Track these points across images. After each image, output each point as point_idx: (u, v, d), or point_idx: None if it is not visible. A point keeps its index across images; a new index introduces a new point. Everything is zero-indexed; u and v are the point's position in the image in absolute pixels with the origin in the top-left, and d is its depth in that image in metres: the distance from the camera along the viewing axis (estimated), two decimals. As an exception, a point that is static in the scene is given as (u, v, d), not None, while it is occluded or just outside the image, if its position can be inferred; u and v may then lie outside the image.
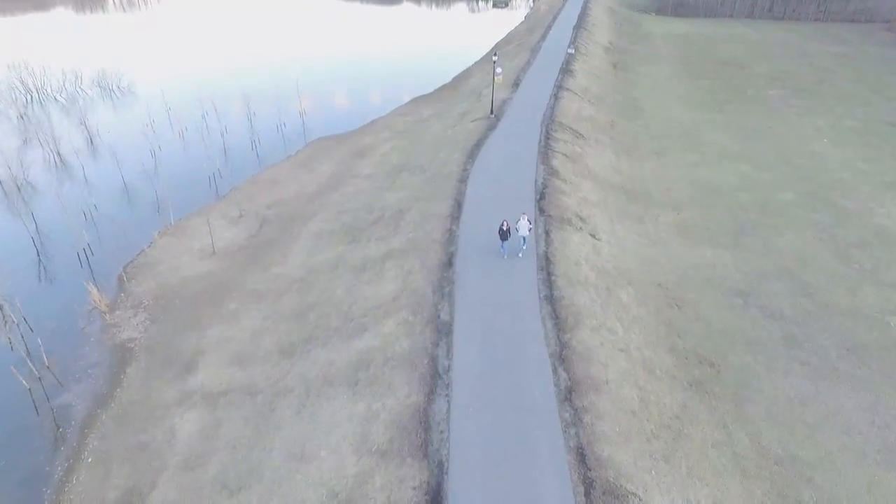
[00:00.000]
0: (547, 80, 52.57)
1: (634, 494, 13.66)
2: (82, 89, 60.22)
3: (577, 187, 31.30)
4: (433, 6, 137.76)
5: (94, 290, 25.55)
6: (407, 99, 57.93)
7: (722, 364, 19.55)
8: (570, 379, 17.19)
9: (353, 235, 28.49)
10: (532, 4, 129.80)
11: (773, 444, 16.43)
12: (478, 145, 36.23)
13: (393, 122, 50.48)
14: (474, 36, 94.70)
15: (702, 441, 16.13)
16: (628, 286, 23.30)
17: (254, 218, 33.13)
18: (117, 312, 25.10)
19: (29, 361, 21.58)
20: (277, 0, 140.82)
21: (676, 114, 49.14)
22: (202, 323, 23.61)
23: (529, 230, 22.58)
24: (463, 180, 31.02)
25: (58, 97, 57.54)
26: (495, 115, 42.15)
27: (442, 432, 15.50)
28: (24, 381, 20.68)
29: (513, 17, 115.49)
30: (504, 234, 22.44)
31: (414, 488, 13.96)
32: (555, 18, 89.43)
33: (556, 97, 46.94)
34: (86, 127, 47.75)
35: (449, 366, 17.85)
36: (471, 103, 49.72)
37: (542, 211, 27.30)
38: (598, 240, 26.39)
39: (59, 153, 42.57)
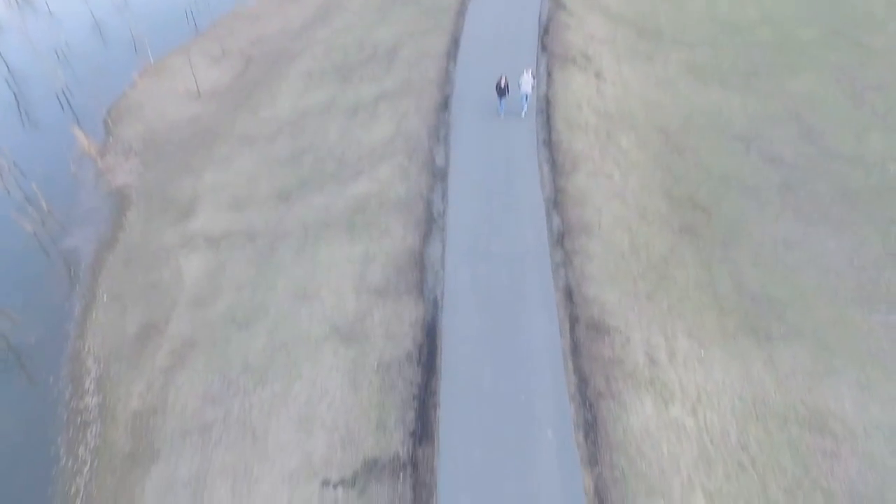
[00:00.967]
0: None
1: (616, 328, 14.68)
2: None
3: (584, 21, 28.91)
4: None
5: (81, 135, 24.91)
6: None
7: (715, 209, 19.75)
8: (563, 223, 17.49)
9: (344, 75, 26.98)
10: None
11: (752, 284, 17.24)
12: (478, -28, 32.66)
13: (384, -57, 44.93)
14: None
15: (685, 282, 16.91)
16: (629, 131, 22.66)
17: (238, 56, 31.12)
18: (108, 158, 24.73)
19: (28, 206, 21.75)
20: None
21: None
22: (195, 168, 23.38)
23: (533, 87, 20.56)
24: (461, 13, 28.55)
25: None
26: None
27: (437, 273, 16.17)
28: (27, 226, 21.05)
29: None
30: (502, 91, 20.27)
31: (410, 323, 14.95)
32: None
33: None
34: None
35: (444, 210, 18.05)
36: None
37: (544, 48, 25.53)
38: (603, 81, 25.07)
39: (16, -19, 38.55)
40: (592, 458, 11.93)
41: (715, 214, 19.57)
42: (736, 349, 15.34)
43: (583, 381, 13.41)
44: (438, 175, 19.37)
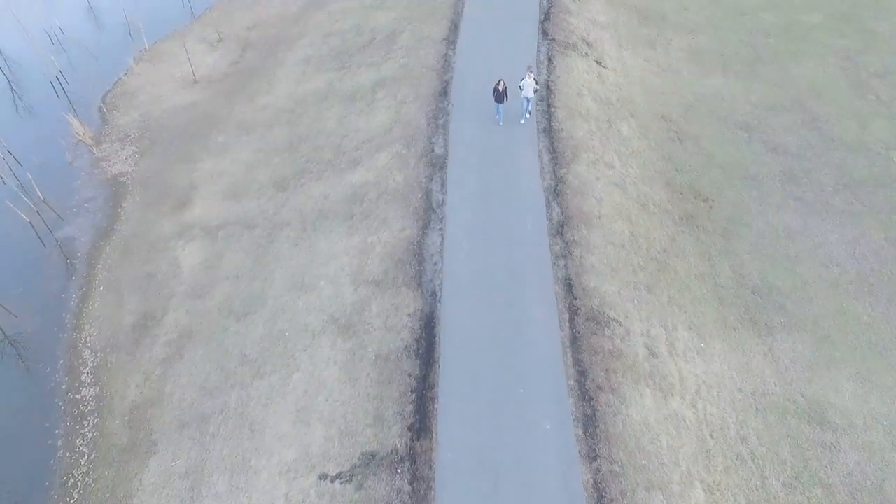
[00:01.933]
0: None
1: (616, 321, 14.58)
2: None
3: (586, 6, 28.45)
4: None
5: (76, 122, 24.60)
6: None
7: (716, 199, 19.56)
8: (562, 213, 17.31)
9: (342, 61, 26.59)
10: None
11: (753, 275, 17.12)
12: (478, -45, 32.06)
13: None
14: None
15: (686, 273, 16.79)
16: (631, 118, 22.38)
17: (235, 42, 30.65)
18: (104, 146, 24.45)
19: (23, 195, 21.54)
20: None
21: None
22: (192, 156, 23.12)
23: (535, 91, 18.85)
24: (461, -3, 28.06)
25: None
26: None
27: (435, 264, 16.03)
28: (23, 215, 20.85)
29: None
30: (500, 96, 18.60)
31: (409, 315, 14.84)
32: None
33: None
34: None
35: (443, 200, 17.85)
36: None
37: (545, 34, 25.12)
38: (604, 67, 24.71)
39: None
40: (591, 452, 11.89)
41: (716, 204, 19.39)
42: (736, 341, 15.26)
43: (582, 374, 13.33)
44: (437, 164, 19.13)
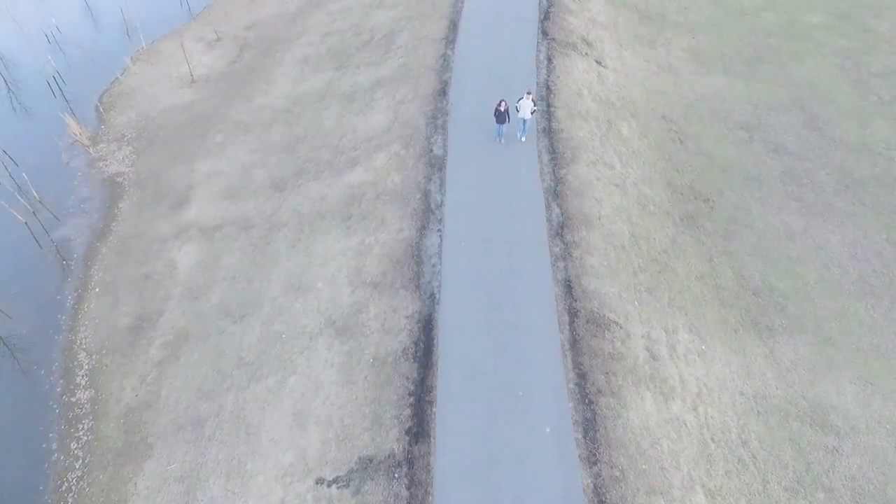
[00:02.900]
0: None
1: (616, 323, 14.43)
2: None
3: (586, 5, 28.30)
4: None
5: (73, 122, 24.42)
6: None
7: (717, 199, 19.44)
8: (562, 214, 17.17)
9: (341, 61, 26.43)
10: None
11: (754, 276, 17.00)
12: (477, -46, 31.90)
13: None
14: None
15: (686, 274, 16.66)
16: (631, 118, 22.25)
17: (232, 41, 30.46)
18: (101, 146, 24.27)
19: (19, 195, 21.37)
20: None
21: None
22: (189, 156, 22.95)
23: (533, 112, 18.49)
24: (460, -4, 27.90)
25: None
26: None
27: (434, 265, 15.88)
28: (18, 216, 20.68)
29: None
30: (501, 117, 18.37)
31: (407, 317, 14.70)
32: None
33: None
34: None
35: (442, 201, 17.71)
36: None
37: (545, 34, 24.98)
38: (604, 67, 24.57)
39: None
40: (591, 456, 11.76)
41: (716, 205, 19.26)
42: (737, 343, 15.14)
43: (582, 377, 13.19)
44: (436, 164, 18.99)
